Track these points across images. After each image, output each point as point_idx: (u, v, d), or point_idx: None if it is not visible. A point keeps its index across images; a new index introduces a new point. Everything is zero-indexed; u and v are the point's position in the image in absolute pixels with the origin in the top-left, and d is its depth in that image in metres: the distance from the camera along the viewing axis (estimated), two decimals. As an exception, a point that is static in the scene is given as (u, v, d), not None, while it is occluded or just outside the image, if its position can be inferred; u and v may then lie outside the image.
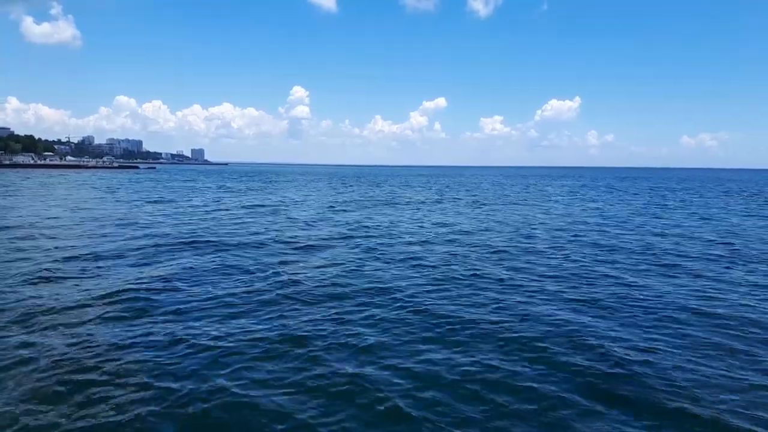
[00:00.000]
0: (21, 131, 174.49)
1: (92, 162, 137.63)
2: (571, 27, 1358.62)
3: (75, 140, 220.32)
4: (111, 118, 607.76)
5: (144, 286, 10.00)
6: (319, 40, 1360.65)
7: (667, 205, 34.52)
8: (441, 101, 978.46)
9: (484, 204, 34.41)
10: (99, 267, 11.81)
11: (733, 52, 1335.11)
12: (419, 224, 21.90)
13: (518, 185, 68.50)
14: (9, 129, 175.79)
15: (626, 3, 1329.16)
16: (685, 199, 40.40)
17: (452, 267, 12.53)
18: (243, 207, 29.31)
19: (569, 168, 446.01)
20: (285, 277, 11.03)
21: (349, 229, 19.60)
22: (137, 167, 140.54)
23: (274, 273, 11.51)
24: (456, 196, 42.47)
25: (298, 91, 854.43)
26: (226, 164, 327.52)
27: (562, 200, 38.90)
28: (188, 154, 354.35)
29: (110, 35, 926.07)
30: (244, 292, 9.76)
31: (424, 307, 8.98)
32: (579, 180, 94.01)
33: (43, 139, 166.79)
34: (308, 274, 11.41)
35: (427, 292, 10.10)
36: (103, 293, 9.39)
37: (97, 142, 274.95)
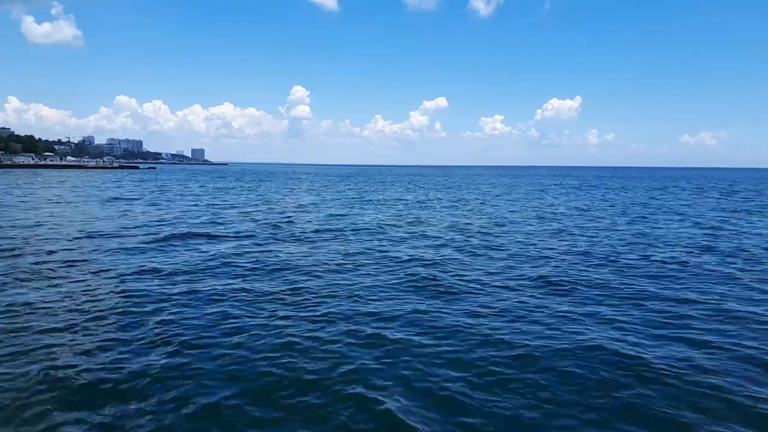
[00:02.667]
0: (21, 131, 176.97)
1: (92, 162, 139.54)
2: (572, 26, 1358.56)
3: (75, 140, 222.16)
4: (111, 118, 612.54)
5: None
6: (320, 40, 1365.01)
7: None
8: (441, 101, 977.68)
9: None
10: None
11: (733, 51, 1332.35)
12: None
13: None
14: (9, 129, 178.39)
15: (627, 2, 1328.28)
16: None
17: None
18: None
19: (570, 167, 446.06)
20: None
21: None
22: (137, 167, 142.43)
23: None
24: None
25: (299, 91, 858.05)
26: (226, 164, 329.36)
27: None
28: (188, 154, 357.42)
29: (111, 35, 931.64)
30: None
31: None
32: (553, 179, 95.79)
33: (43, 139, 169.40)
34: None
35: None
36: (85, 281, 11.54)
37: (97, 142, 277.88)
